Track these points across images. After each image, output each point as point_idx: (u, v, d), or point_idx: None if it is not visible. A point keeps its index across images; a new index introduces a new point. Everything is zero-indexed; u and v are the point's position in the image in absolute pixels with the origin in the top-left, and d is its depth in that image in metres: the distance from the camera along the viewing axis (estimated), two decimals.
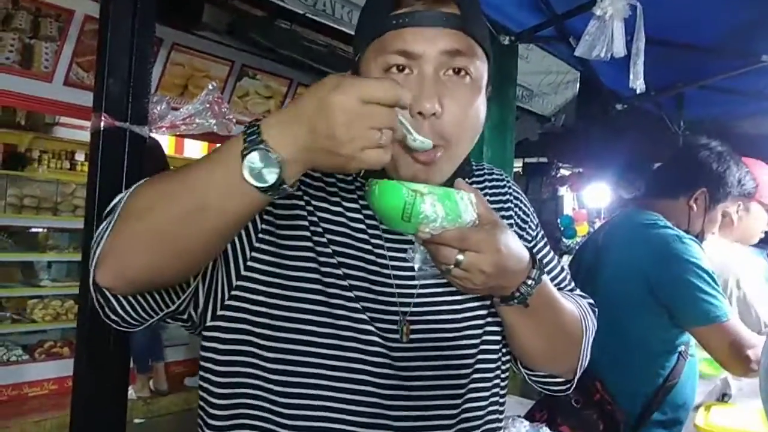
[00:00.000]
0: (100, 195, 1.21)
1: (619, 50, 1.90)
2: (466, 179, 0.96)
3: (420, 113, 0.78)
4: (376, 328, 0.84)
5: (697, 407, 1.84)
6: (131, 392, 4.28)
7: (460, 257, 0.74)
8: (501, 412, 0.98)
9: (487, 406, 0.94)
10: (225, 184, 0.66)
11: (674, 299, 1.68)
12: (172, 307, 0.80)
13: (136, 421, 4.21)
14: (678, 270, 1.67)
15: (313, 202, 0.87)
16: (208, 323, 0.85)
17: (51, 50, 3.68)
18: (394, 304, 0.86)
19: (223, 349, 0.85)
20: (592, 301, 1.05)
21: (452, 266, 0.74)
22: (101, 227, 0.75)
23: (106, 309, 0.78)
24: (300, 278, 0.83)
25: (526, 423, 1.53)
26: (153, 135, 1.25)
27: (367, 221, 0.88)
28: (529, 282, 0.81)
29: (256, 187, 0.65)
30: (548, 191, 8.43)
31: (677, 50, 2.70)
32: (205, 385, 0.88)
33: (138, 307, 0.78)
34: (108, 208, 0.77)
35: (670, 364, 1.75)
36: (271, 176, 0.64)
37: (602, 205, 8.53)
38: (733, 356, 1.63)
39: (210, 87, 1.30)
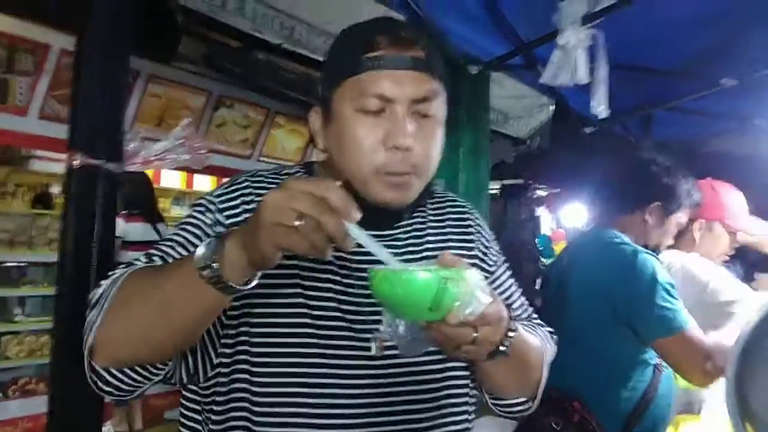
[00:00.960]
0: (76, 231, 1.22)
1: (582, 77, 1.96)
2: (427, 200, 1.03)
3: (395, 147, 0.87)
4: (343, 347, 0.90)
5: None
6: (109, 427, 4.19)
7: (475, 335, 0.75)
8: (471, 421, 1.03)
9: (461, 413, 0.99)
10: (185, 282, 0.74)
11: (635, 314, 1.72)
12: (159, 376, 0.86)
13: None
14: (637, 284, 1.71)
15: None
16: (210, 373, 0.91)
17: (26, 84, 3.68)
18: (363, 322, 0.91)
19: (222, 392, 0.90)
20: (550, 329, 1.10)
21: (464, 344, 0.75)
22: (90, 317, 0.82)
23: (100, 383, 0.84)
24: (287, 304, 0.90)
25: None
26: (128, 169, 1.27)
27: (335, 257, 0.92)
28: (510, 335, 0.84)
29: (199, 273, 0.71)
30: (526, 212, 8.52)
31: (642, 74, 2.79)
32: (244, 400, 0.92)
33: (128, 380, 0.83)
34: (94, 296, 0.84)
35: (646, 378, 1.78)
36: (206, 261, 0.71)
37: (579, 224, 8.64)
38: (697, 365, 1.65)
39: (185, 122, 1.32)
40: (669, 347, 1.69)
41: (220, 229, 0.91)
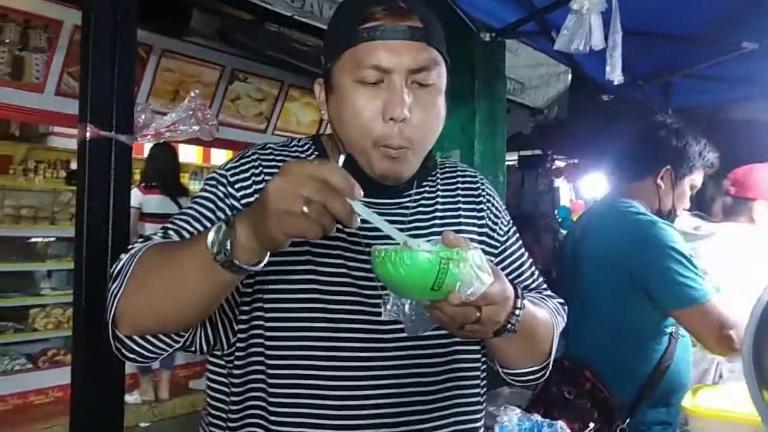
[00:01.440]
0: (90, 203, 1.24)
1: (597, 43, 1.93)
2: (430, 174, 1.03)
3: (392, 119, 0.87)
4: (356, 311, 0.92)
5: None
6: (136, 396, 4.30)
7: (478, 314, 0.75)
8: (484, 394, 1.05)
9: (472, 386, 1.01)
10: (197, 263, 0.75)
11: (653, 285, 1.71)
12: (179, 344, 0.89)
13: (141, 425, 4.24)
14: (655, 256, 1.70)
15: None
16: (232, 339, 0.95)
17: (41, 61, 3.71)
18: (374, 288, 0.92)
19: (270, 349, 0.92)
20: (561, 300, 1.10)
21: (467, 324, 0.76)
22: (111, 289, 0.85)
23: (123, 350, 0.87)
24: (297, 279, 0.92)
25: (518, 410, 1.56)
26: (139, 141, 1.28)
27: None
28: (517, 312, 0.84)
29: (213, 256, 0.73)
30: (544, 183, 8.44)
31: (661, 40, 2.73)
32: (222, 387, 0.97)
33: (150, 346, 0.87)
34: (115, 269, 0.86)
35: (662, 347, 1.78)
36: (220, 247, 0.72)
37: (599, 194, 8.55)
38: (715, 337, 1.65)
39: (192, 94, 1.33)
40: (688, 318, 1.69)
41: (232, 201, 0.93)
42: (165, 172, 4.30)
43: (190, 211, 0.94)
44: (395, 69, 0.88)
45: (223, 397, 0.98)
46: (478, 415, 1.03)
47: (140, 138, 1.25)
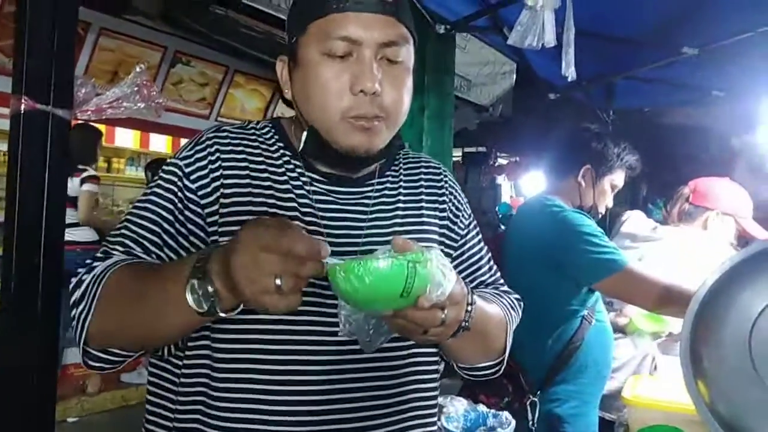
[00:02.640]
0: (22, 183, 1.15)
1: (550, 40, 1.96)
2: (398, 154, 1.02)
3: (362, 91, 0.85)
4: (313, 304, 0.87)
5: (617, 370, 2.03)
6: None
7: (443, 316, 0.74)
8: (437, 388, 1.02)
9: (429, 380, 0.99)
10: (174, 305, 0.74)
11: (574, 265, 1.85)
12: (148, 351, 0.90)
13: (70, 420, 4.06)
14: (566, 237, 1.85)
15: (239, 190, 0.90)
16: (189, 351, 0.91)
17: None
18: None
19: (218, 351, 0.89)
20: (518, 296, 1.10)
21: (432, 327, 0.74)
22: (77, 312, 0.83)
23: (90, 361, 0.86)
24: None
25: (464, 401, 1.58)
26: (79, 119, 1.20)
27: (300, 199, 0.91)
28: (469, 309, 0.82)
29: (196, 311, 0.72)
30: (487, 180, 8.61)
31: (606, 42, 2.80)
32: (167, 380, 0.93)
33: (118, 357, 0.86)
34: (77, 291, 0.84)
35: (572, 328, 1.90)
36: (205, 304, 0.71)
37: (538, 192, 8.78)
38: (644, 294, 1.78)
39: (137, 69, 1.25)
40: (613, 286, 1.82)
41: (188, 195, 0.88)
42: (85, 150, 4.07)
43: (146, 214, 0.88)
44: (365, 41, 0.85)
45: (169, 386, 0.92)
46: (434, 410, 1.01)
47: (79, 114, 1.16)
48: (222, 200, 0.88)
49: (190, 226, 0.88)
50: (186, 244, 0.87)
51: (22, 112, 1.10)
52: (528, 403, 1.86)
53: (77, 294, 0.83)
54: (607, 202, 2.08)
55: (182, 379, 0.90)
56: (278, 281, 0.65)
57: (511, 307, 1.05)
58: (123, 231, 0.88)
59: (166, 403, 0.92)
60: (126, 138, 5.78)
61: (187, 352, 0.90)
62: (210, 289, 0.70)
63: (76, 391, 4.18)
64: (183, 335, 0.85)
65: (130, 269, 0.83)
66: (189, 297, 0.71)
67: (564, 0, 1.96)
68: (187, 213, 0.88)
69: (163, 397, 0.93)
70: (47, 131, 1.16)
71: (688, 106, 3.51)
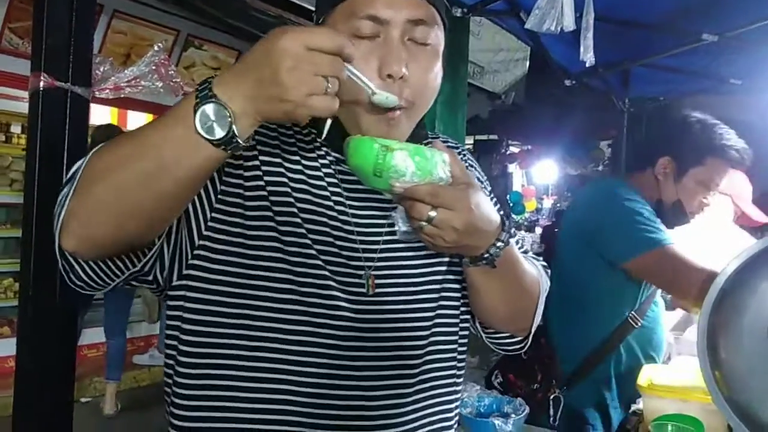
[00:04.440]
0: (41, 159, 1.15)
1: (569, 24, 1.92)
2: (422, 141, 0.98)
3: (389, 75, 0.82)
4: (338, 282, 0.86)
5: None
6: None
7: (432, 213, 0.75)
8: (460, 376, 1.01)
9: (449, 368, 0.97)
10: (180, 141, 0.68)
11: (608, 240, 1.69)
12: (137, 268, 0.81)
13: (83, 400, 4.11)
14: (608, 212, 1.70)
15: (271, 159, 0.87)
16: (174, 283, 0.86)
17: None
18: (358, 259, 0.88)
19: (190, 308, 0.85)
20: (545, 263, 1.08)
21: (424, 222, 0.76)
22: (63, 192, 0.75)
23: (71, 275, 0.80)
24: (259, 237, 0.84)
25: (477, 387, 1.57)
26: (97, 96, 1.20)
27: (328, 179, 0.90)
28: (498, 244, 0.83)
29: (209, 140, 0.67)
30: (498, 168, 8.57)
31: (623, 28, 2.76)
32: (173, 349, 0.88)
33: (102, 271, 0.79)
34: (68, 175, 0.77)
35: (612, 326, 1.77)
36: (222, 129, 0.66)
37: (550, 181, 8.74)
38: (681, 280, 1.60)
39: (156, 48, 1.25)
40: (649, 265, 1.64)
41: None
42: None
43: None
44: (392, 20, 0.83)
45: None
46: (456, 396, 1.00)
47: (98, 92, 1.16)
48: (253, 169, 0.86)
49: (221, 182, 0.84)
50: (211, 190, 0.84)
51: (41, 89, 1.10)
52: (552, 397, 1.75)
53: (67, 177, 0.77)
54: (698, 200, 1.79)
55: (190, 343, 0.86)
56: (327, 83, 0.66)
57: (542, 273, 1.03)
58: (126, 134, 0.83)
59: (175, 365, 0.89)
60: (138, 121, 5.79)
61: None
62: (223, 111, 0.66)
63: (89, 372, 4.22)
64: (184, 191, 0.73)
65: (126, 134, 0.77)
66: (198, 125, 0.66)
67: None
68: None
69: (172, 362, 0.89)
70: (66, 108, 1.16)
71: (704, 94, 3.45)
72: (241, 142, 0.68)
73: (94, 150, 0.76)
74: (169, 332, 0.89)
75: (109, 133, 4.03)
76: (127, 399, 4.19)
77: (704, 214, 2.07)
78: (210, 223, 0.84)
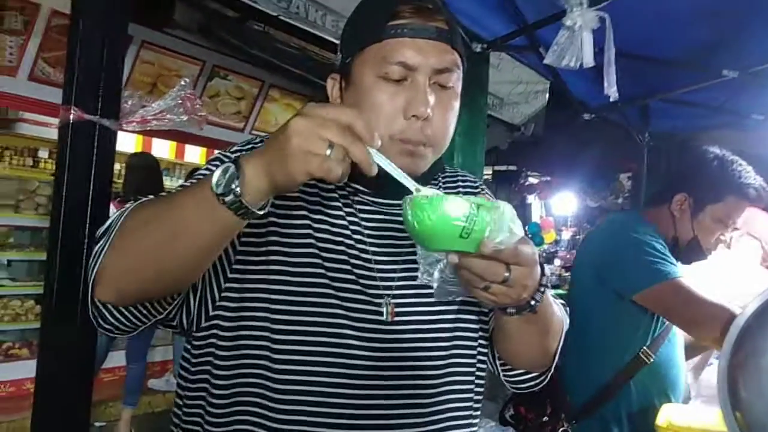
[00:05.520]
0: (68, 189, 1.19)
1: (588, 60, 1.94)
2: (435, 176, 1.02)
3: (414, 116, 0.87)
4: (351, 310, 0.89)
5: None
6: None
7: (507, 273, 0.73)
8: (477, 409, 1.02)
9: (465, 400, 0.98)
10: (200, 202, 0.73)
11: (622, 269, 1.68)
12: (162, 315, 0.86)
13: (97, 424, 4.11)
14: (623, 244, 1.69)
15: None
16: (203, 324, 0.91)
17: (15, 44, 3.59)
18: (376, 287, 0.91)
19: (221, 346, 0.90)
20: (563, 301, 1.09)
21: (495, 283, 0.73)
22: (98, 246, 0.80)
23: (100, 320, 0.84)
24: (267, 262, 0.89)
25: (492, 423, 1.56)
26: (125, 130, 1.24)
27: (346, 209, 0.94)
28: (541, 289, 0.82)
29: (220, 198, 0.70)
30: (517, 199, 8.54)
31: (643, 63, 2.77)
32: (204, 383, 0.92)
33: (130, 316, 0.83)
34: (103, 228, 0.83)
35: (622, 361, 1.74)
36: (227, 186, 0.70)
37: (569, 212, 8.69)
38: (691, 314, 1.59)
39: (182, 83, 1.29)
40: (657, 298, 1.62)
41: None
42: (147, 181, 3.90)
43: (188, 185, 0.90)
44: (421, 67, 0.88)
45: (190, 385, 0.94)
46: (473, 429, 1.01)
47: (125, 125, 1.20)
48: None
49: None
50: None
51: (71, 122, 1.14)
52: (560, 431, 1.74)
53: (102, 231, 0.82)
54: (715, 237, 1.78)
55: (222, 361, 0.91)
56: (329, 151, 0.67)
57: (563, 313, 1.04)
58: (163, 194, 0.90)
59: (198, 394, 0.94)
60: (162, 149, 5.91)
61: (225, 332, 0.90)
62: (236, 172, 0.70)
63: (105, 396, 4.23)
64: (206, 253, 0.78)
65: (158, 197, 0.84)
66: (214, 180, 0.70)
67: (603, 20, 1.95)
68: None
69: (195, 389, 0.94)
70: (94, 140, 1.20)
71: (725, 129, 3.44)
72: (250, 207, 0.71)
73: (130, 206, 0.81)
74: (198, 368, 0.93)
75: (144, 161, 4.12)
76: (142, 424, 4.19)
77: (723, 251, 2.06)
78: (234, 266, 0.89)
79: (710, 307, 1.56)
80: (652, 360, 1.75)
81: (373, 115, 0.88)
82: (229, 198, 0.70)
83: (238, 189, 0.70)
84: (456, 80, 0.92)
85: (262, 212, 0.73)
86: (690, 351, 1.97)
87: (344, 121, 0.68)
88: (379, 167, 0.72)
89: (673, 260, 1.68)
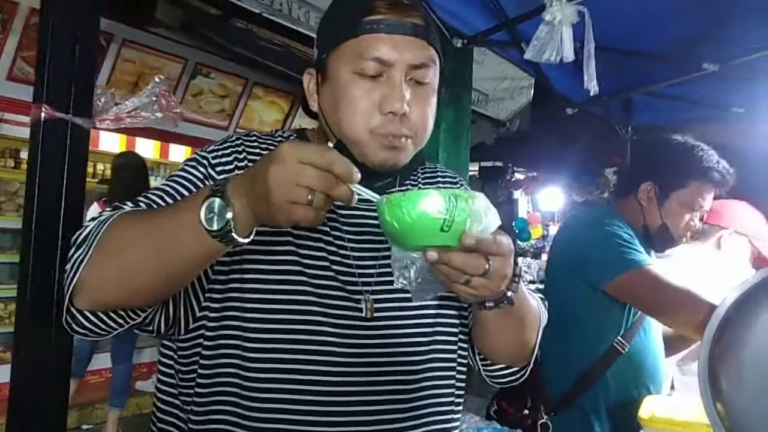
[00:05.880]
0: (41, 190, 1.17)
1: (569, 54, 1.94)
2: (419, 168, 1.02)
3: (391, 112, 0.88)
4: (331, 307, 0.89)
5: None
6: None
7: (487, 265, 0.72)
8: (459, 404, 1.02)
9: (447, 395, 0.98)
10: (185, 227, 0.73)
11: (592, 260, 1.69)
12: (138, 320, 0.86)
13: (84, 427, 4.08)
14: (591, 236, 1.71)
15: None
16: (191, 326, 0.91)
17: None
18: (355, 284, 0.91)
19: (207, 345, 0.90)
20: (542, 295, 1.09)
21: (475, 276, 0.73)
22: (75, 256, 0.80)
23: (74, 325, 0.83)
24: (280, 269, 0.89)
25: (476, 417, 1.56)
26: (98, 127, 1.22)
27: (328, 218, 0.93)
28: (516, 280, 0.83)
29: (207, 230, 0.70)
30: (503, 195, 8.57)
31: (625, 57, 2.79)
32: (193, 380, 0.92)
33: (106, 321, 0.83)
34: (79, 236, 0.82)
35: (598, 351, 1.76)
36: (219, 222, 0.70)
37: (556, 208, 8.73)
38: (661, 299, 1.60)
39: (156, 80, 1.28)
40: (625, 285, 1.64)
41: (211, 183, 0.89)
42: (134, 181, 3.88)
43: (165, 188, 0.90)
44: (396, 63, 0.88)
45: (180, 389, 0.94)
46: (454, 424, 1.01)
47: (98, 123, 1.18)
48: None
49: None
50: None
51: (42, 120, 1.12)
52: (540, 423, 1.75)
53: (78, 239, 0.81)
54: (684, 223, 1.80)
55: (202, 370, 0.90)
56: (310, 196, 0.66)
57: (541, 306, 1.04)
58: (139, 198, 0.90)
59: (173, 399, 0.95)
60: (146, 148, 5.85)
61: (207, 339, 0.90)
62: (225, 207, 0.69)
63: (91, 399, 4.20)
64: (189, 273, 0.80)
65: (139, 211, 0.84)
66: (203, 214, 0.70)
67: (582, 15, 1.95)
68: None
69: (171, 384, 0.95)
70: (66, 138, 1.18)
71: (707, 122, 3.46)
72: (236, 237, 0.71)
73: (111, 217, 0.80)
74: (188, 368, 0.93)
75: (129, 160, 4.08)
76: (129, 426, 4.16)
77: (713, 252, 2.08)
78: (216, 267, 0.89)
79: (677, 292, 1.58)
80: (626, 350, 1.76)
81: (350, 111, 0.88)
82: (220, 232, 0.70)
83: (230, 225, 0.70)
84: (432, 76, 0.92)
85: (247, 240, 0.73)
86: (675, 344, 1.99)
87: (322, 166, 0.66)
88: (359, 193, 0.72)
89: (641, 249, 1.69)
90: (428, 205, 0.67)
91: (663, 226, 1.78)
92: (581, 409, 1.78)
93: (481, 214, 0.68)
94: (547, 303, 1.08)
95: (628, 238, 1.69)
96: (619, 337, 1.76)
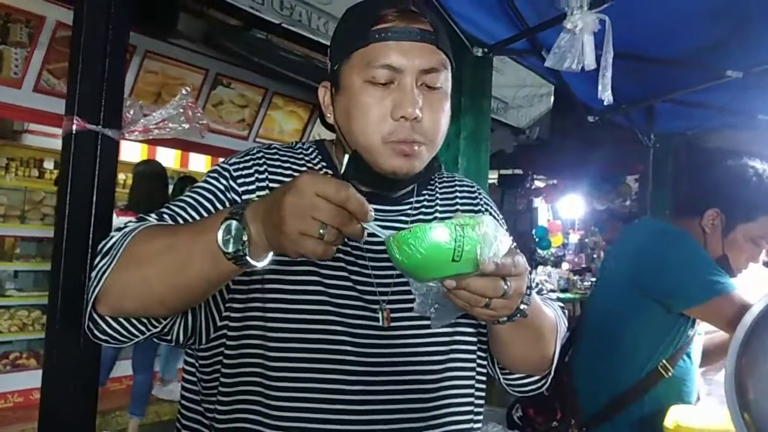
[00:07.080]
0: (71, 199, 1.19)
1: (590, 62, 1.93)
2: (435, 178, 1.02)
3: (403, 117, 0.88)
4: (348, 316, 0.90)
5: None
6: None
7: (506, 286, 0.72)
8: (478, 413, 1.02)
9: (465, 404, 0.98)
10: (203, 246, 0.74)
11: (671, 285, 1.62)
12: (158, 329, 0.87)
13: None
14: (672, 255, 1.62)
15: None
16: (213, 334, 0.92)
17: (21, 56, 3.62)
18: (372, 293, 0.92)
19: (228, 354, 0.91)
20: (561, 304, 1.08)
21: (496, 298, 0.72)
22: (100, 265, 0.82)
23: (95, 331, 0.85)
24: (299, 279, 0.90)
25: (499, 427, 1.55)
26: (127, 138, 1.24)
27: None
28: (528, 293, 0.81)
29: (223, 252, 0.71)
30: (523, 203, 8.53)
31: (647, 64, 2.76)
32: (215, 389, 0.93)
33: (126, 330, 0.85)
34: (105, 246, 0.84)
35: (638, 374, 1.71)
36: (234, 245, 0.71)
37: (576, 216, 8.67)
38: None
39: (183, 92, 1.30)
40: (714, 311, 1.57)
41: (233, 195, 0.92)
42: (154, 189, 3.88)
43: (188, 199, 0.92)
44: (406, 69, 0.88)
45: (202, 396, 0.95)
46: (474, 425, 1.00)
47: (128, 134, 1.21)
48: None
49: None
50: None
51: (74, 132, 1.15)
52: None
53: (104, 248, 0.84)
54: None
55: (224, 378, 0.91)
56: (322, 230, 0.66)
57: (559, 315, 1.03)
58: (162, 210, 0.91)
59: (196, 406, 0.96)
60: (167, 157, 5.93)
61: (228, 350, 0.91)
62: (242, 231, 0.70)
63: (113, 406, 4.24)
64: (206, 290, 0.82)
65: (162, 226, 0.86)
66: (220, 235, 0.71)
67: (603, 23, 1.94)
68: (228, 206, 0.90)
69: (194, 392, 0.97)
70: (96, 149, 1.20)
71: (732, 129, 3.41)
72: (250, 260, 0.72)
73: (135, 230, 0.82)
74: (210, 376, 0.94)
75: (148, 168, 4.12)
76: None
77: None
78: (237, 278, 0.88)
79: None
80: (670, 374, 1.71)
81: (362, 119, 0.89)
82: (235, 255, 0.71)
83: (246, 249, 0.71)
84: (444, 80, 0.93)
85: (264, 263, 0.74)
86: (713, 357, 1.93)
87: (337, 201, 0.66)
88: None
89: (722, 271, 1.62)
90: (435, 238, 0.67)
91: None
92: (614, 428, 1.74)
93: (490, 238, 0.68)
94: (566, 312, 1.07)
95: (707, 257, 1.62)
96: (664, 361, 1.71)
